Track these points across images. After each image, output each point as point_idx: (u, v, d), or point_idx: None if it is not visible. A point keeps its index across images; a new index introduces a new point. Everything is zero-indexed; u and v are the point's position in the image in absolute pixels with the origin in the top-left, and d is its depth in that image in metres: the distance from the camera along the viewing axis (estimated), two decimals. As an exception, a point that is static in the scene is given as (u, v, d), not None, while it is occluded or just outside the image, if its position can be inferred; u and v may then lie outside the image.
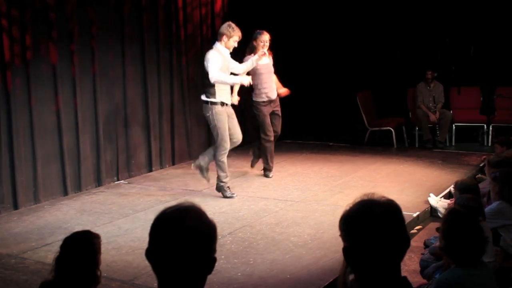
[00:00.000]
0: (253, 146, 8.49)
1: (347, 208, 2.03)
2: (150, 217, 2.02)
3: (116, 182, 8.12)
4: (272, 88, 8.01)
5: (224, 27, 7.04)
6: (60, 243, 3.26)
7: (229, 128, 7.14)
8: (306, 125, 10.67)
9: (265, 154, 8.12)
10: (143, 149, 8.66)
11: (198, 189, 7.63)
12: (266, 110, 7.98)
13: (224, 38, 7.00)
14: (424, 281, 4.32)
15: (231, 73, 7.23)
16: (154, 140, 8.78)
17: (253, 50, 7.73)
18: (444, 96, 10.79)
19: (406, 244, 2.02)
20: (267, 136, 7.99)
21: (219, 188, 7.21)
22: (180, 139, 9.30)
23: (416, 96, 10.75)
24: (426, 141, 10.48)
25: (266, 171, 8.24)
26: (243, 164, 8.69)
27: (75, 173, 7.56)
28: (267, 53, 7.54)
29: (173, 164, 9.18)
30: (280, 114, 8.16)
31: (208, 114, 7.07)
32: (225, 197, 7.15)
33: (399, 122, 10.83)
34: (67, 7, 7.33)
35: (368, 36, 11.45)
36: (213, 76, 6.91)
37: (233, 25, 7.03)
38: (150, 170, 8.75)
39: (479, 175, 7.92)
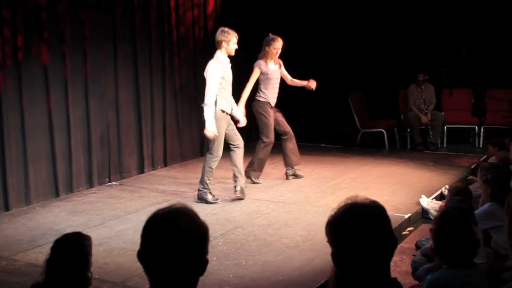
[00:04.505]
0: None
1: (332, 213, 2.04)
2: (142, 218, 2.02)
3: (107, 184, 8.10)
4: (276, 94, 7.91)
5: (219, 34, 6.90)
6: (51, 245, 3.25)
7: (230, 135, 7.04)
8: (298, 126, 10.65)
9: (260, 157, 7.84)
10: (135, 150, 8.64)
11: (190, 190, 7.62)
12: (271, 113, 7.83)
13: (223, 44, 6.87)
14: (416, 282, 4.33)
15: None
16: (146, 141, 8.76)
17: (265, 55, 7.69)
18: (435, 97, 10.82)
19: (394, 244, 2.02)
20: (268, 139, 7.77)
21: (201, 196, 7.02)
22: (172, 140, 9.28)
23: (408, 98, 10.78)
24: (418, 143, 10.51)
25: (257, 177, 7.97)
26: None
27: (67, 174, 7.53)
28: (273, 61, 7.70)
29: (165, 165, 9.17)
30: (282, 114, 8.02)
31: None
32: (207, 203, 6.94)
33: (391, 124, 10.87)
34: (58, 8, 7.30)
35: (360, 37, 11.49)
36: (207, 103, 6.78)
37: (226, 29, 6.93)
38: (142, 172, 8.72)
39: (471, 177, 7.95)
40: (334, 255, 2.00)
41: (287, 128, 8.03)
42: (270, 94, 7.82)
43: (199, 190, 7.04)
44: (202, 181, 7.01)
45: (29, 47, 7.02)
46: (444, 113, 10.80)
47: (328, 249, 2.03)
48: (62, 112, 7.44)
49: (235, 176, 7.10)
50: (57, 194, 7.39)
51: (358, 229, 1.95)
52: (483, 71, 10.74)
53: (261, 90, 7.82)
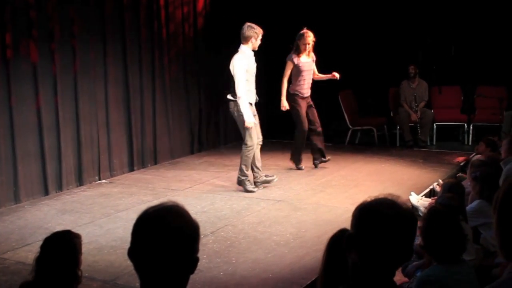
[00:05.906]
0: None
1: (368, 199, 2.07)
2: (132, 216, 2.02)
3: (97, 182, 8.06)
4: (309, 85, 8.34)
5: (247, 30, 7.18)
6: (40, 243, 3.25)
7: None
8: (289, 124, 10.67)
9: (297, 146, 8.43)
10: (125, 148, 8.62)
11: (180, 188, 7.61)
12: (303, 103, 8.29)
13: (252, 40, 7.20)
14: (406, 279, 4.34)
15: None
16: (136, 139, 8.74)
17: (297, 49, 8.17)
18: (428, 94, 10.84)
19: (407, 256, 2.03)
20: (303, 128, 8.30)
21: (240, 182, 7.42)
22: (162, 138, 9.26)
23: (399, 94, 10.80)
24: (408, 140, 10.54)
25: (298, 163, 8.55)
26: (226, 163, 8.70)
27: (56, 172, 7.50)
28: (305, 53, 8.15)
29: (155, 163, 9.14)
30: (314, 106, 8.46)
31: (236, 114, 7.25)
32: (246, 191, 7.32)
33: (381, 121, 10.90)
34: (47, 5, 7.26)
35: (350, 35, 11.50)
36: (240, 96, 7.11)
37: (252, 25, 7.24)
38: (132, 170, 8.70)
39: (460, 174, 7.98)
40: (349, 236, 2.02)
41: (317, 122, 8.46)
42: (301, 86, 8.25)
43: (238, 176, 7.43)
44: (241, 168, 7.40)
45: (17, 45, 6.98)
46: (433, 111, 10.83)
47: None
48: (51, 110, 7.41)
49: (253, 171, 7.48)
50: (46, 192, 7.36)
51: (382, 222, 1.97)
52: (472, 68, 10.79)
53: (292, 83, 8.29)
